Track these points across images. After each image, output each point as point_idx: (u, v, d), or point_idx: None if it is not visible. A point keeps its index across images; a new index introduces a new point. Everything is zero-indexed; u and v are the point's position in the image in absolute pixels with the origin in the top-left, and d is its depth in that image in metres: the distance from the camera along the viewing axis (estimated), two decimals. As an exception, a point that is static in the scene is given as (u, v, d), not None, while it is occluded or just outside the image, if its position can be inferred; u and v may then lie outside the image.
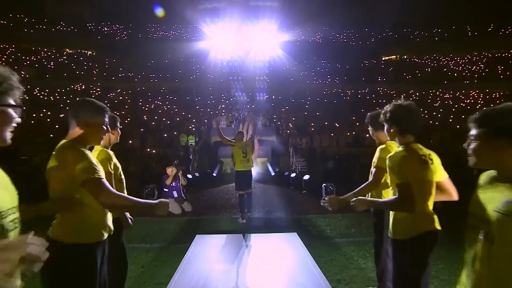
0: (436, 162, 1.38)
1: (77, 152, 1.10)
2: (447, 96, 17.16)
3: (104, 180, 1.09)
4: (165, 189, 4.97)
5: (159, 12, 20.05)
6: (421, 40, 20.91)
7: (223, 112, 13.64)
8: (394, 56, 21.53)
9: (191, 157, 9.09)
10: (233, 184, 7.99)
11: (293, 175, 7.85)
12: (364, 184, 1.75)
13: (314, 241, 3.46)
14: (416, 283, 1.25)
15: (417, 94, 17.09)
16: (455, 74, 18.77)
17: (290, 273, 2.38)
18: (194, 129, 10.65)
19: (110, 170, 1.48)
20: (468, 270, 0.82)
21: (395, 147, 1.45)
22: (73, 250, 1.04)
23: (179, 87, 16.02)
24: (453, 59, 20.78)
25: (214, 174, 8.93)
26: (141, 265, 2.78)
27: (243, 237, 3.34)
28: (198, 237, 3.44)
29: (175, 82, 16.49)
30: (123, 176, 1.63)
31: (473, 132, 0.85)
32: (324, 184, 5.87)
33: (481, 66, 19.07)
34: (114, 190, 1.09)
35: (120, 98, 15.40)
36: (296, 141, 9.67)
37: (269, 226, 4.02)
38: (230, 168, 10.02)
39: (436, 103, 15.61)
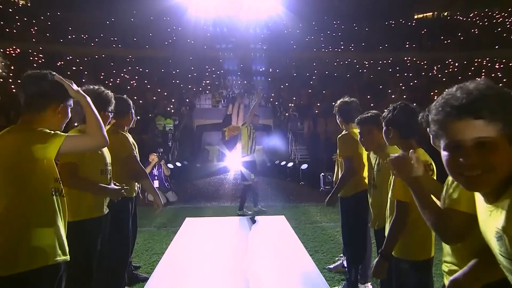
0: None
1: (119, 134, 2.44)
2: (497, 66, 17.74)
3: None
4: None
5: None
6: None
7: (208, 89, 14.70)
8: (431, 13, 22.08)
9: (170, 144, 10.24)
10: (221, 176, 9.37)
11: (290, 164, 9.17)
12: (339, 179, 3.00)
13: (302, 225, 4.88)
14: (358, 227, 2.63)
15: (457, 64, 17.96)
16: (512, 36, 18.71)
17: (274, 246, 3.76)
18: (173, 110, 11.79)
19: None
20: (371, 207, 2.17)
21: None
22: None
23: (150, 56, 16.77)
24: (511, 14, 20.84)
25: (198, 165, 10.18)
26: (136, 242, 4.15)
27: (232, 220, 4.72)
28: (188, 220, 4.83)
29: (145, 49, 17.23)
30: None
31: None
32: (322, 174, 7.16)
33: (551, 24, 18.86)
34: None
35: (73, 68, 16.13)
36: (296, 125, 10.92)
37: (259, 213, 5.40)
38: (217, 157, 11.26)
39: (480, 76, 16.60)
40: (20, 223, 1.25)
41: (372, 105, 13.21)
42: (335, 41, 18.31)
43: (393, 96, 13.90)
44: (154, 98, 12.42)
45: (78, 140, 1.39)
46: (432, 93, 14.92)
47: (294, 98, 13.38)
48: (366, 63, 17.60)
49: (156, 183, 6.35)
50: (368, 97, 13.37)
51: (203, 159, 10.92)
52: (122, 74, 15.57)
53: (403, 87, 15.30)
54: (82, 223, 1.85)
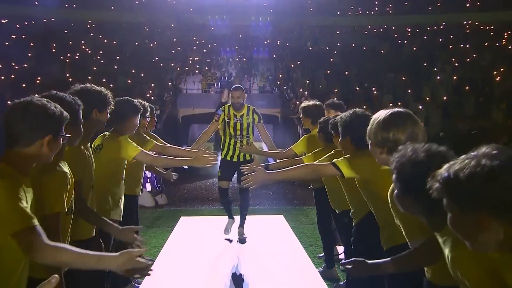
0: None
1: None
2: None
3: None
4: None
5: None
6: None
7: (197, 69, 16.91)
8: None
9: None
10: (212, 180, 11.95)
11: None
12: None
13: (302, 225, 7.31)
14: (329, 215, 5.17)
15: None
16: None
17: (269, 241, 6.21)
18: (152, 97, 14.22)
19: None
20: None
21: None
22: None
23: (118, 22, 18.88)
24: None
25: (185, 166, 12.77)
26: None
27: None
28: (183, 219, 7.40)
29: (110, 12, 19.33)
30: None
31: None
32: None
33: None
34: None
35: (13, 37, 17.88)
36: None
37: (257, 213, 7.93)
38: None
39: None
40: (110, 193, 3.42)
41: (409, 91, 15.35)
42: (367, 1, 20.16)
43: (438, 78, 16.14)
44: (129, 81, 14.84)
45: (145, 156, 3.61)
46: (495, 72, 16.36)
47: (308, 81, 15.43)
48: (408, 29, 19.62)
49: (148, 186, 8.92)
50: (403, 78, 15.59)
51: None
52: (82, 47, 17.65)
53: (456, 64, 17.19)
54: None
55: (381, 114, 2.25)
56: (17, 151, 1.87)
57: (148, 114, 4.61)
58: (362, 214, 3.16)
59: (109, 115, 3.00)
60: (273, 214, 8.00)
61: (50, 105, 1.92)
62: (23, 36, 18.24)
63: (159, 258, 5.52)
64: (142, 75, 15.50)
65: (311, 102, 5.03)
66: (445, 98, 14.90)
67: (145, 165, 4.40)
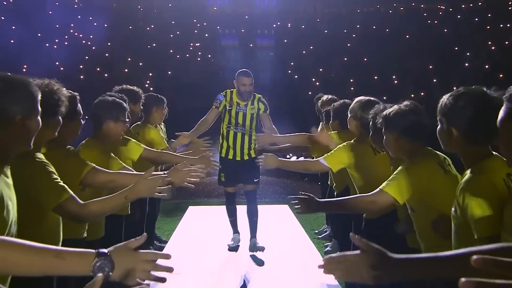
0: None
1: None
2: None
3: None
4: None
5: None
6: None
7: (199, 57, 18.37)
8: None
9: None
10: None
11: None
12: None
13: (307, 216, 9.55)
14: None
15: None
16: None
17: (274, 227, 8.36)
18: (152, 88, 16.14)
19: None
20: None
21: None
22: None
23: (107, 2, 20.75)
24: None
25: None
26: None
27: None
28: (191, 208, 9.65)
29: None
30: None
31: None
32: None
33: None
34: None
35: None
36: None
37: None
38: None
39: None
40: None
41: (435, 80, 16.76)
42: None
43: (467, 64, 17.38)
44: (126, 70, 16.83)
45: (149, 153, 5.22)
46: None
47: (321, 69, 16.93)
48: (441, 8, 21.09)
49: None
50: (430, 67, 17.17)
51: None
52: (70, 30, 19.51)
53: (493, 47, 18.29)
54: None
55: (361, 99, 4.10)
56: (96, 132, 3.55)
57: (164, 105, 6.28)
58: (342, 186, 4.93)
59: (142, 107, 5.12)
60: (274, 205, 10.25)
61: (108, 99, 3.53)
62: (2, 18, 19.85)
63: (171, 241, 7.68)
64: (140, 63, 17.24)
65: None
66: (473, 87, 16.23)
67: None
